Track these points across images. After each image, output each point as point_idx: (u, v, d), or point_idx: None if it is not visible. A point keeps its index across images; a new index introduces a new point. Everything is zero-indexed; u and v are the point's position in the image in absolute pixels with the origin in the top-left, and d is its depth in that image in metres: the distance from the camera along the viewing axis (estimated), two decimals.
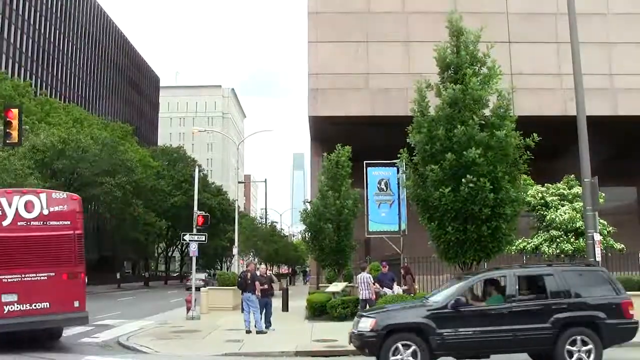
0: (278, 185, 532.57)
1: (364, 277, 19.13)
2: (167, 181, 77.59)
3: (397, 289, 19.81)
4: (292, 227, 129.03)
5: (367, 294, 18.82)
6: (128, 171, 57.70)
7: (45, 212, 15.92)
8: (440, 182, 14.30)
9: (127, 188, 56.95)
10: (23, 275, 15.09)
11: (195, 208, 27.26)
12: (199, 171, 40.16)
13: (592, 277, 11.81)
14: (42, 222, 15.83)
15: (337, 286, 24.22)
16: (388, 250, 26.53)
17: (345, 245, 25.40)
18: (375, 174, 26.45)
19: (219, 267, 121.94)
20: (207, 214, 28.43)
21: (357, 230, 26.50)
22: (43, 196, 16.22)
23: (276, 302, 28.73)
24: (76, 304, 15.96)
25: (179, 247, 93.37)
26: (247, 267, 21.19)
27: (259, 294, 19.52)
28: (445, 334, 11.09)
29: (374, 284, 19.72)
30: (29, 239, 15.44)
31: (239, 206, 47.00)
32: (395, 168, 24.68)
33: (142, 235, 67.79)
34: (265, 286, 20.12)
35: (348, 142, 26.39)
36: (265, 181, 69.09)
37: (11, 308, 14.75)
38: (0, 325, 14.18)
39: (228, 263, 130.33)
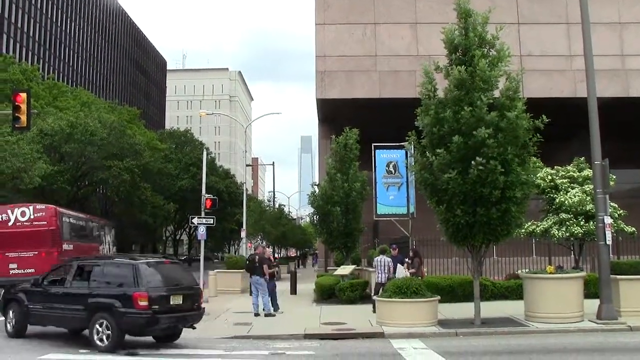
0: (286, 169, 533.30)
1: (384, 260, 18.99)
2: (175, 164, 77.58)
3: (404, 272, 19.76)
4: (300, 210, 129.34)
5: (384, 277, 18.73)
6: (136, 154, 57.71)
7: (32, 216, 27.02)
8: (447, 166, 14.25)
9: (135, 171, 57.02)
10: (20, 253, 26.00)
11: (204, 191, 27.31)
12: (207, 154, 40.14)
13: (124, 270, 13.23)
14: (30, 223, 26.89)
15: (346, 269, 24.24)
16: (396, 233, 26.53)
17: (353, 228, 25.43)
18: (384, 156, 26.37)
19: (227, 250, 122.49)
20: (215, 197, 28.45)
21: (365, 213, 26.49)
22: (31, 207, 27.59)
23: (285, 285, 28.92)
24: None
25: (187, 230, 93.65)
26: (255, 250, 21.24)
27: (268, 277, 19.60)
28: (30, 305, 14.27)
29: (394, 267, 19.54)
30: (23, 233, 26.62)
31: (246, 189, 47.04)
32: (403, 150, 24.61)
33: (151, 218, 68.01)
34: (276, 269, 20.20)
35: (356, 124, 26.33)
36: (273, 164, 68.97)
37: (13, 271, 25.64)
38: (8, 280, 21.50)
39: (236, 246, 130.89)
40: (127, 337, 13.09)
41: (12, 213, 27.35)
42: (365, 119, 29.59)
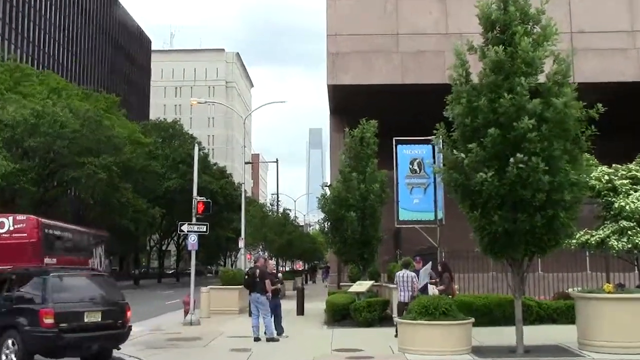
0: (292, 167, 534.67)
1: (407, 275, 18.96)
2: (161, 162, 77.84)
3: (432, 289, 19.72)
4: (309, 216, 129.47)
5: (407, 295, 18.70)
6: (114, 149, 57.88)
7: (12, 228, 30.30)
8: (481, 164, 14.18)
9: (113, 169, 57.16)
10: None
11: (195, 193, 27.38)
12: (199, 150, 40.22)
13: (34, 284, 14.03)
14: (9, 235, 29.88)
15: (362, 285, 24.26)
16: (422, 243, 26.53)
17: (371, 236, 25.41)
18: (407, 152, 26.40)
19: (222, 263, 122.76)
20: (208, 200, 28.60)
21: (385, 219, 26.48)
22: (10, 218, 31.03)
23: (290, 304, 28.90)
24: None
25: (175, 239, 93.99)
26: (255, 262, 21.29)
27: (270, 295, 19.61)
28: None
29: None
30: (2, 245, 29.07)
31: (245, 191, 47.07)
32: (430, 146, 24.57)
33: (132, 224, 68.21)
34: (279, 286, 20.24)
35: (374, 115, 26.30)
36: (277, 161, 69.12)
37: None
38: None
39: (233, 258, 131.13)
40: None
41: None
42: (384, 109, 29.57)
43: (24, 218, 32.01)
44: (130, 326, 15.25)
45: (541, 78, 14.61)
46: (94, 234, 46.80)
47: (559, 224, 14.38)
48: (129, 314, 15.08)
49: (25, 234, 31.25)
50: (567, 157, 14.32)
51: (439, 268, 21.04)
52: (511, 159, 13.73)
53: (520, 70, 14.17)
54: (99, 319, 14.02)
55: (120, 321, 14.64)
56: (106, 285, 15.36)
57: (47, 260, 32.38)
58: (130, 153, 62.74)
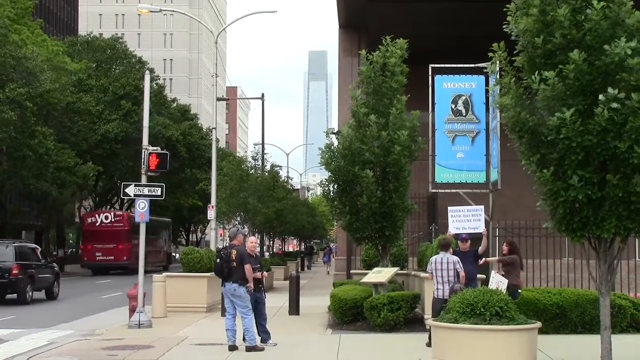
0: (284, 106, 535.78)
1: (446, 259, 18.98)
2: (96, 96, 77.43)
3: (497, 280, 19.71)
4: (306, 176, 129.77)
5: (446, 288, 18.67)
6: (28, 77, 57.39)
7: (113, 220, 73.83)
8: (558, 101, 14.12)
9: (26, 105, 56.76)
10: (103, 245, 72.14)
11: (145, 141, 27.28)
12: (151, 80, 39.87)
13: None
14: (111, 224, 73.32)
15: (382, 274, 24.33)
16: None
17: (395, 205, 25.42)
18: (449, 86, 26.31)
19: (183, 241, 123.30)
20: (164, 151, 28.51)
21: (415, 181, 26.48)
22: (112, 213, 77.39)
23: (280, 299, 29.00)
24: (124, 258, 71.88)
25: (117, 207, 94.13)
26: (231, 240, 21.33)
27: (252, 286, 19.63)
28: None
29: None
30: (106, 231, 72.76)
31: (218, 139, 47.01)
32: (482, 77, 24.45)
33: (55, 187, 68.00)
34: (260, 274, 20.26)
35: (401, 32, 26.14)
36: (263, 98, 68.81)
37: (99, 258, 73.31)
38: (96, 265, 73.28)
39: (199, 234, 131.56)
40: None
41: (99, 217, 72.38)
42: (416, 23, 29.42)
43: (121, 213, 74.81)
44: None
45: None
46: (161, 220, 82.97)
47: None
48: None
49: (122, 224, 71.06)
50: None
51: (504, 249, 21.08)
52: (600, 96, 13.62)
53: None
54: None
55: None
56: None
57: (134, 241, 63.30)
58: (50, 83, 62.23)
